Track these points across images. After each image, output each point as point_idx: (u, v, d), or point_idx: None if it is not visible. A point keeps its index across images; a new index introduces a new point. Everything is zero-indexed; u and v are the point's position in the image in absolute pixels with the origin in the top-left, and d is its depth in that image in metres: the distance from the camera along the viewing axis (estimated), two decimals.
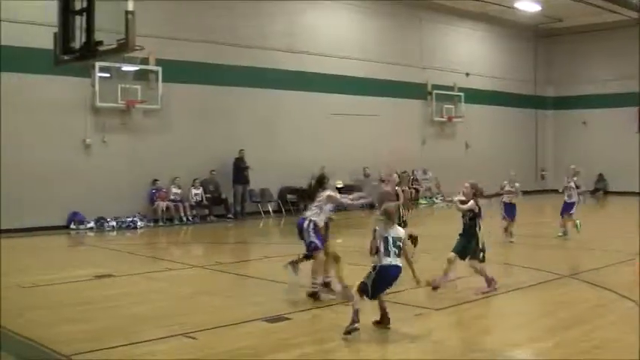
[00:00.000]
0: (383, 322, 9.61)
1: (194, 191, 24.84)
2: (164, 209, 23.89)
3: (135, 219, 23.17)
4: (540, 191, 39.27)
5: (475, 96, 35.95)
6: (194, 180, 24.90)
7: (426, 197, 32.42)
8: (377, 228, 9.60)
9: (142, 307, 11.34)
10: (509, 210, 18.87)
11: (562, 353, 8.73)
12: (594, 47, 38.95)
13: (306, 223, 11.31)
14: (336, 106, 29.23)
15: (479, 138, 36.41)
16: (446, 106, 34.58)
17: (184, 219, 24.38)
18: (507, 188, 19.15)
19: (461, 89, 35.27)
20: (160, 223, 23.71)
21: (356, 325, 9.08)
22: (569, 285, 13.03)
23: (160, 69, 23.78)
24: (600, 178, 38.44)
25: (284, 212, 26.66)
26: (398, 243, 9.39)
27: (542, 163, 41.37)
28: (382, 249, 9.36)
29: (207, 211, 25.36)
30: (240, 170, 25.71)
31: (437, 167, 32.97)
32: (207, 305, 11.51)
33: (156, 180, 24.02)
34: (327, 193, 11.59)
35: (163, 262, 16.31)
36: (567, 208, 19.68)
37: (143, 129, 24.02)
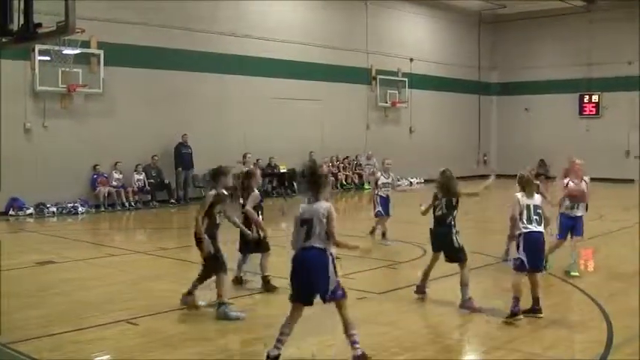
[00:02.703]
0: (534, 311, 9.60)
1: (136, 176, 24.59)
2: (106, 195, 23.61)
3: (76, 205, 22.86)
4: (483, 176, 39.68)
5: (419, 81, 36.15)
6: (136, 165, 24.65)
7: (369, 182, 32.45)
8: (517, 197, 9.77)
9: (86, 293, 11.24)
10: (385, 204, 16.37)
11: (509, 334, 8.89)
12: (538, 34, 39.49)
13: None
14: (282, 91, 29.15)
15: (423, 123, 36.64)
16: (390, 91, 34.68)
17: (127, 204, 24.12)
18: (383, 180, 16.54)
19: (405, 74, 35.42)
20: (102, 209, 23.43)
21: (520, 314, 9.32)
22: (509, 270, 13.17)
23: (102, 52, 23.42)
24: (542, 163, 38.74)
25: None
26: (538, 210, 9.62)
27: (485, 148, 41.81)
28: (524, 217, 9.57)
29: (149, 197, 25.12)
30: (182, 155, 25.54)
31: (381, 152, 33.01)
32: (151, 291, 11.45)
33: (96, 165, 23.72)
34: None
35: (106, 248, 16.17)
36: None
37: (84, 113, 23.65)
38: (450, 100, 38.86)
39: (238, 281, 11.38)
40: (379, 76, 34.03)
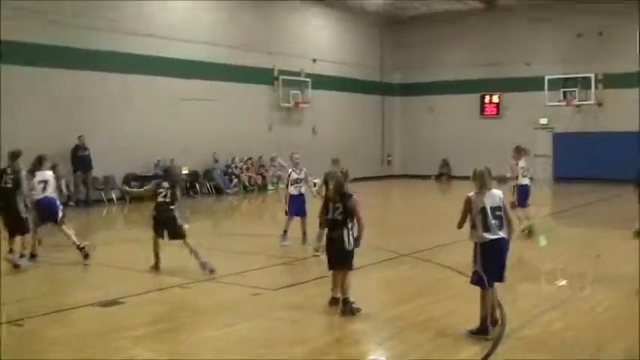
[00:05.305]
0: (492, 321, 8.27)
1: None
2: None
3: None
4: (387, 176, 40.15)
5: (322, 82, 36.14)
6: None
7: (273, 183, 32.34)
8: (471, 198, 8.26)
9: None
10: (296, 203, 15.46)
11: (397, 325, 8.90)
12: (440, 35, 39.97)
13: None
14: (185, 92, 28.63)
15: (326, 124, 36.65)
16: (292, 91, 34.54)
17: None
18: (295, 176, 15.75)
19: (308, 75, 35.35)
20: None
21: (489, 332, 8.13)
22: (408, 263, 13.29)
23: None
24: (444, 163, 39.45)
25: (128, 200, 25.89)
26: (497, 213, 8.12)
27: (389, 148, 42.11)
28: (479, 223, 8.11)
29: None
30: (80, 157, 24.81)
31: (284, 153, 32.86)
32: (40, 291, 11.14)
33: None
34: None
35: None
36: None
37: None
38: (354, 101, 39.03)
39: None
40: (282, 77, 33.88)
